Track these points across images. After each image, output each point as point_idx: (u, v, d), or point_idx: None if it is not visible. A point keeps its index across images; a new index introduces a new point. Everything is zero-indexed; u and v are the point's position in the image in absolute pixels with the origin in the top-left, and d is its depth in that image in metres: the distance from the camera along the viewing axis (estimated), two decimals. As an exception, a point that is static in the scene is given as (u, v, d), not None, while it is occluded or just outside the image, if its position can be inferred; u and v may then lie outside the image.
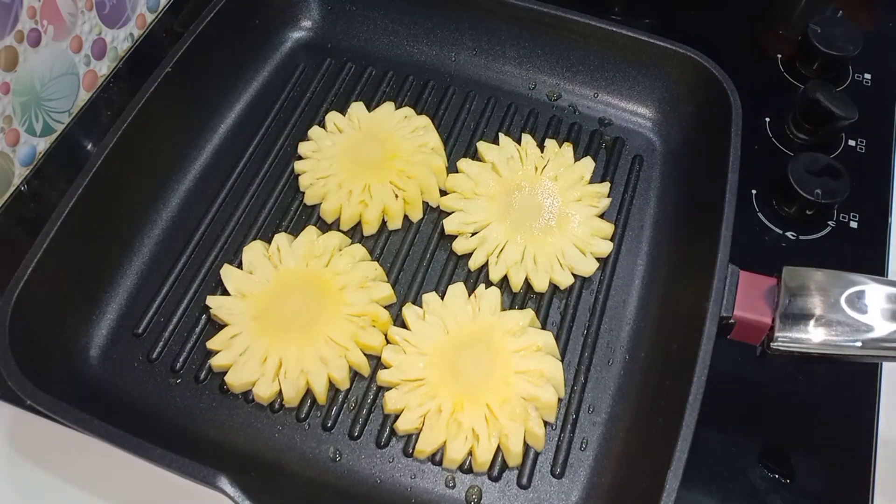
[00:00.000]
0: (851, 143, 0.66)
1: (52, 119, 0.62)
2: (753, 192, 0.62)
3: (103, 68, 0.66)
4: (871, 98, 0.69)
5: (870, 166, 0.65)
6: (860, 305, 0.43)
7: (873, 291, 0.43)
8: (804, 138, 0.65)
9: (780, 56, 0.71)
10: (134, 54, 0.69)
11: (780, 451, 0.51)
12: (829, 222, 0.61)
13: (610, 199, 0.58)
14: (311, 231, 0.55)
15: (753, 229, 0.60)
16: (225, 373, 0.49)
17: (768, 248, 0.60)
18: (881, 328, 0.43)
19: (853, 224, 0.61)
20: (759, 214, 0.61)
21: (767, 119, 0.67)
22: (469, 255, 0.55)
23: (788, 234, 0.60)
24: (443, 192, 0.58)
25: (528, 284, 0.54)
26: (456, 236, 0.56)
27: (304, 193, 0.58)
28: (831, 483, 0.50)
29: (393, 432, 0.49)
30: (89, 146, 0.64)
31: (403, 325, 0.51)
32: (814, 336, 0.44)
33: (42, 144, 0.62)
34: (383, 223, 0.57)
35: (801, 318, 0.44)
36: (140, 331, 0.52)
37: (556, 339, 0.52)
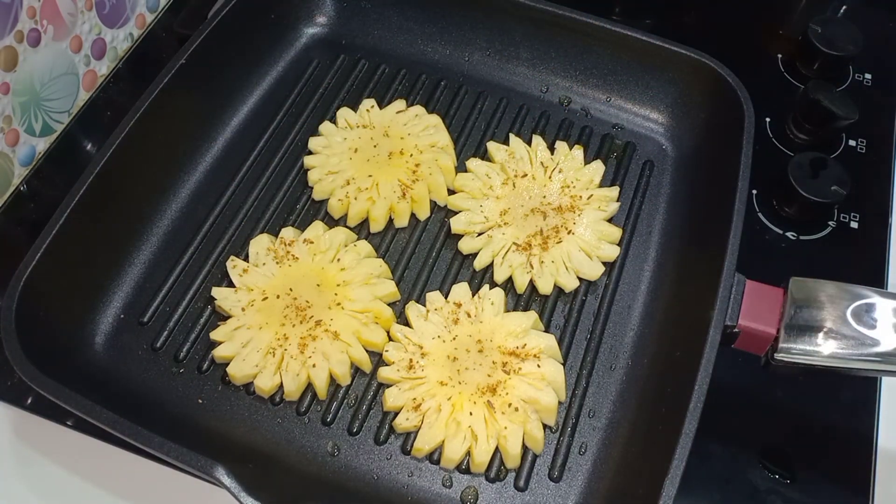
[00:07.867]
0: (851, 143, 0.65)
1: (51, 119, 0.62)
2: (754, 192, 0.62)
3: (103, 68, 0.67)
4: (871, 98, 0.68)
5: (870, 166, 0.64)
6: (866, 319, 0.43)
7: (880, 305, 0.43)
8: (804, 138, 0.65)
9: (780, 56, 0.71)
10: (133, 54, 0.69)
11: (781, 456, 0.50)
12: (830, 222, 0.60)
13: (619, 204, 0.58)
14: (318, 226, 0.55)
15: (753, 229, 0.60)
16: (227, 364, 0.50)
17: (768, 248, 0.59)
18: (887, 343, 0.42)
19: (853, 224, 0.61)
20: (759, 214, 0.61)
21: (767, 119, 0.66)
22: (475, 255, 0.55)
23: (789, 234, 0.60)
24: (451, 192, 0.58)
25: (532, 287, 0.54)
26: (462, 236, 0.56)
27: (312, 188, 0.58)
28: (832, 487, 0.49)
29: (392, 429, 0.49)
30: (89, 146, 0.64)
31: (407, 323, 0.51)
32: (818, 348, 0.43)
33: (41, 144, 0.62)
34: (390, 220, 0.57)
35: (807, 329, 0.44)
36: (146, 319, 0.53)
37: (559, 342, 0.51)
